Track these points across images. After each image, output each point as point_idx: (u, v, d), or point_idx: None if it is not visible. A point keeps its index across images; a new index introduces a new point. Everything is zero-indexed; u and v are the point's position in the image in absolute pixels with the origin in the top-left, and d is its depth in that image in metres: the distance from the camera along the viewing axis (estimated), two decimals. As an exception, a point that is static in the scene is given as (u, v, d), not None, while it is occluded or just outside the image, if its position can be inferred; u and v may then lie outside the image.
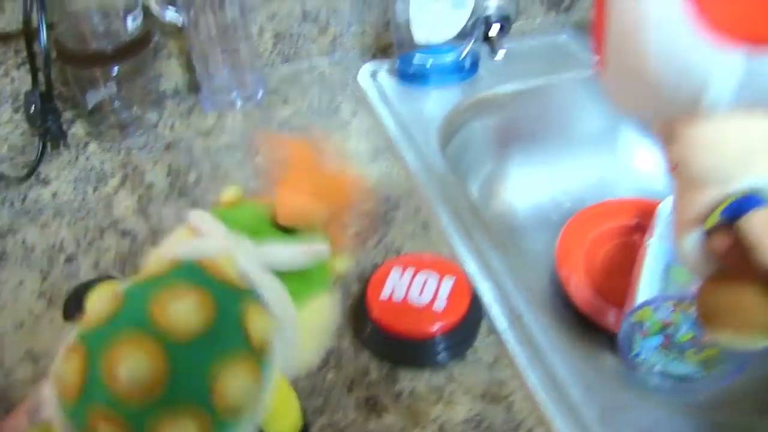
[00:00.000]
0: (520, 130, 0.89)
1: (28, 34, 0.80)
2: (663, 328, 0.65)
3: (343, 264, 0.46)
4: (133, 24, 0.79)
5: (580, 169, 0.92)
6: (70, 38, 0.79)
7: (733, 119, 0.36)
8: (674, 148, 0.37)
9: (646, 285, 0.65)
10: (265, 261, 0.39)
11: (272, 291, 0.39)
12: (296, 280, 0.40)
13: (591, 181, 0.91)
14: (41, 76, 0.82)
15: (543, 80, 0.88)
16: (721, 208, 0.37)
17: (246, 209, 0.44)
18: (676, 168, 0.38)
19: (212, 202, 0.45)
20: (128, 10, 0.78)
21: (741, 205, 0.36)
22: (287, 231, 0.42)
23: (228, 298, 0.36)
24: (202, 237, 0.40)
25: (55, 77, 0.82)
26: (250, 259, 0.39)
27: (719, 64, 0.33)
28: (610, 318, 0.72)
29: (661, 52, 0.34)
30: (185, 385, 0.33)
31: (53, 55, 0.80)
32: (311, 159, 0.46)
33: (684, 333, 0.64)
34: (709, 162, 0.36)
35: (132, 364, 0.31)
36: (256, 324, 0.36)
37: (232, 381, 0.34)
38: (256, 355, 0.36)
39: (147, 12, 0.81)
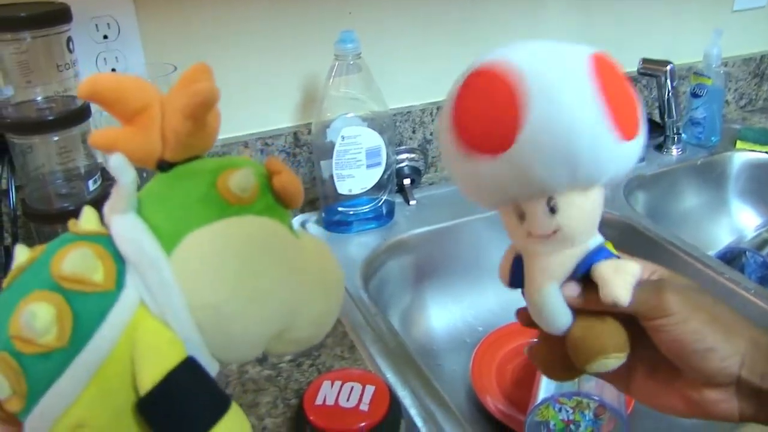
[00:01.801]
0: (433, 266, 1.01)
1: (-2, 196, 0.90)
2: (566, 426, 0.75)
3: (239, 179, 0.44)
4: (93, 185, 0.90)
5: (488, 296, 1.03)
6: (36, 199, 0.89)
7: (597, 192, 0.45)
8: (555, 218, 0.44)
9: (545, 386, 0.76)
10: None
11: (122, 234, 0.42)
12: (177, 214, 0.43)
13: (497, 306, 1.03)
14: (7, 233, 0.91)
15: (451, 222, 1.01)
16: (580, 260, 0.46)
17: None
18: (555, 233, 0.44)
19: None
20: (90, 175, 0.89)
21: (592, 258, 0.46)
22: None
23: (54, 246, 0.43)
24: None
25: (21, 234, 0.91)
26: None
27: (616, 149, 0.42)
28: (520, 423, 0.82)
29: (584, 143, 0.41)
30: None
31: (19, 213, 0.90)
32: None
33: (584, 428, 0.75)
34: (582, 223, 0.45)
35: None
36: (64, 262, 0.40)
37: (24, 316, 0.39)
38: (61, 290, 0.40)
39: (105, 174, 0.91)
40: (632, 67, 1.18)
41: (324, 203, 0.99)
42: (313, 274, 0.48)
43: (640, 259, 0.50)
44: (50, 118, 0.84)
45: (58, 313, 0.40)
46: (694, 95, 1.23)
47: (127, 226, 0.42)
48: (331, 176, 0.94)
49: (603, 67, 0.43)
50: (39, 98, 0.86)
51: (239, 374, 0.70)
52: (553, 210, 0.44)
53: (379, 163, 0.95)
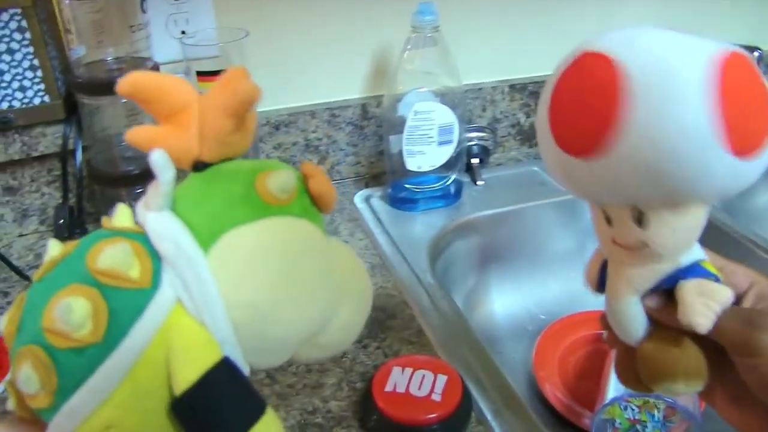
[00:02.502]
0: (498, 250, 0.99)
1: (64, 155, 0.90)
2: (632, 426, 0.73)
3: (280, 180, 0.43)
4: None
5: (552, 284, 1.01)
6: (101, 161, 0.89)
7: (697, 210, 0.41)
8: (647, 230, 0.41)
9: (614, 385, 0.73)
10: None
11: (159, 232, 0.41)
12: (213, 214, 0.42)
13: (562, 294, 1.00)
14: (71, 193, 0.91)
15: (518, 205, 0.99)
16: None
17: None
18: (641, 247, 0.41)
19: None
20: (155, 139, 0.88)
21: (681, 275, 0.42)
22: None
23: (89, 241, 0.42)
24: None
25: (85, 195, 0.91)
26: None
27: (721, 165, 0.37)
28: (582, 418, 0.80)
29: (683, 152, 0.37)
30: (28, 324, 0.39)
31: (84, 174, 0.89)
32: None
33: (651, 429, 0.72)
34: (672, 240, 0.41)
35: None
36: (101, 256, 0.39)
37: (59, 309, 0.38)
38: (97, 285, 0.39)
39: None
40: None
41: (391, 179, 0.97)
42: (345, 280, 0.48)
43: (735, 263, 0.46)
44: (120, 78, 0.82)
45: (94, 308, 0.38)
46: (781, 84, 1.17)
47: (163, 224, 0.42)
48: (400, 152, 0.92)
49: (729, 71, 0.37)
50: (110, 59, 0.86)
51: (304, 353, 0.68)
52: (641, 223, 0.41)
53: (450, 141, 0.92)
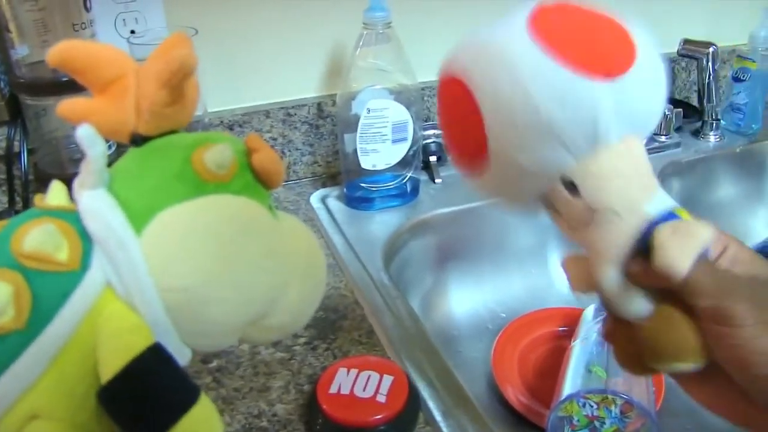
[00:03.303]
0: (457, 248, 0.98)
1: (9, 158, 0.87)
2: (590, 422, 0.72)
3: (216, 155, 0.42)
4: (108, 151, 0.87)
5: (513, 282, 1.00)
6: (49, 163, 0.87)
7: (621, 149, 0.39)
8: (580, 196, 0.40)
9: (570, 382, 0.73)
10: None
11: (90, 211, 0.40)
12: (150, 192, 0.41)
13: (522, 292, 0.99)
14: (18, 197, 0.89)
15: (477, 204, 0.98)
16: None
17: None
18: (591, 214, 0.40)
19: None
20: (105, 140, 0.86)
21: (653, 226, 0.39)
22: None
23: (16, 222, 0.40)
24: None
25: (32, 199, 0.89)
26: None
27: (598, 94, 0.37)
28: (542, 417, 0.79)
29: (552, 103, 0.37)
30: None
31: (31, 177, 0.87)
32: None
33: (609, 426, 0.72)
34: (617, 190, 0.39)
35: None
36: (26, 238, 0.38)
37: None
38: (21, 268, 0.38)
39: (120, 142, 0.89)
40: (672, 48, 1.13)
41: (346, 178, 0.95)
42: (292, 259, 0.45)
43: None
44: (65, 79, 0.80)
45: (16, 293, 0.37)
46: (736, 80, 1.17)
47: (95, 202, 0.40)
48: (355, 150, 0.90)
49: (546, 15, 0.39)
50: (54, 59, 0.83)
51: (251, 355, 0.67)
52: (574, 191, 0.40)
53: (405, 139, 0.91)
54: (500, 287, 1.00)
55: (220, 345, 0.45)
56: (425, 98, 1.05)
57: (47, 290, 0.38)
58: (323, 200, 0.98)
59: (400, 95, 0.89)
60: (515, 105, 0.37)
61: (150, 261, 0.39)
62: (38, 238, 0.38)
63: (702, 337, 0.39)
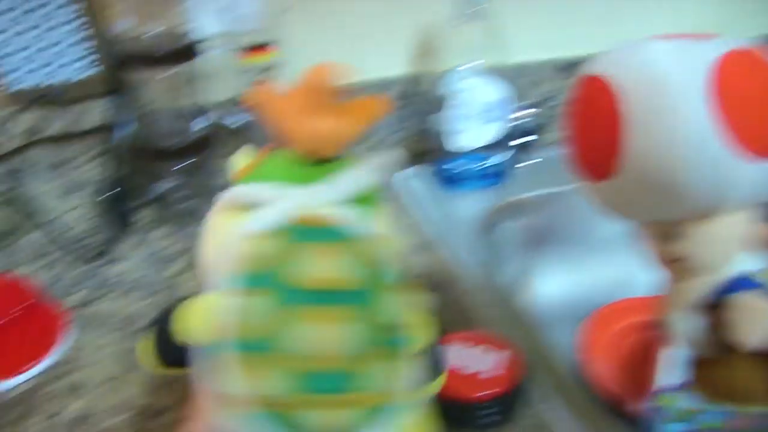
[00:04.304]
0: (546, 232, 0.96)
1: (110, 129, 0.89)
2: (686, 415, 0.70)
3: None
4: (198, 126, 0.88)
5: (601, 268, 0.98)
6: (144, 135, 0.88)
7: (733, 220, 0.40)
8: (681, 244, 0.41)
9: (667, 373, 0.71)
10: (340, 196, 0.43)
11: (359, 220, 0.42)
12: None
13: (611, 279, 0.97)
14: (115, 168, 0.91)
15: (566, 187, 0.96)
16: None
17: (272, 163, 0.45)
18: (676, 261, 0.41)
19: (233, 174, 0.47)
20: (196, 115, 0.88)
21: (729, 288, 0.41)
22: (320, 166, 0.45)
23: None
24: (264, 205, 0.41)
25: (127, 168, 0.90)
26: (325, 201, 0.42)
27: (742, 171, 0.37)
28: (632, 406, 0.77)
29: (692, 164, 0.36)
30: None
31: (127, 149, 0.89)
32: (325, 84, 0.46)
33: (707, 420, 0.70)
34: (713, 251, 0.40)
35: None
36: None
37: None
38: None
39: (212, 116, 0.90)
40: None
41: (435, 158, 0.95)
42: None
43: None
44: (161, 52, 0.82)
45: None
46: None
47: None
48: (445, 130, 0.90)
49: (728, 73, 0.36)
50: (151, 32, 0.85)
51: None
52: (675, 237, 0.41)
53: (496, 119, 0.90)
54: (588, 273, 0.98)
55: None
56: (518, 78, 1.03)
57: None
58: (410, 180, 0.98)
59: (493, 75, 0.88)
60: (661, 147, 0.37)
61: None
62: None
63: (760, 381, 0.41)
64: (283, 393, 0.37)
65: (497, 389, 0.56)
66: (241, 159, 0.46)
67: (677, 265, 0.42)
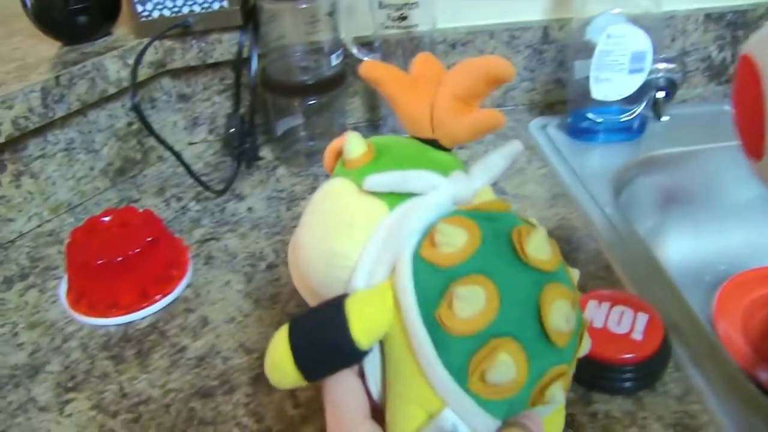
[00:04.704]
0: (681, 191, 0.92)
1: (239, 63, 0.89)
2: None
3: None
4: (335, 61, 0.86)
5: (734, 233, 0.93)
6: (276, 70, 0.87)
7: None
8: None
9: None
10: (490, 177, 0.43)
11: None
12: None
13: (744, 246, 0.92)
14: (243, 102, 0.91)
15: (703, 146, 0.91)
16: None
17: (397, 147, 0.44)
18: None
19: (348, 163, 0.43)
20: (332, 50, 0.86)
21: None
22: (440, 151, 0.44)
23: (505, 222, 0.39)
24: (424, 192, 0.40)
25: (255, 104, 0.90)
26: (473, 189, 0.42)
27: None
28: (765, 377, 0.73)
29: None
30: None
31: (257, 83, 0.88)
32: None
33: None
34: None
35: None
36: (530, 247, 0.37)
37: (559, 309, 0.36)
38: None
39: (347, 53, 0.88)
40: None
41: (572, 107, 0.91)
42: None
43: None
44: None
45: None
46: None
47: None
48: (586, 78, 0.85)
49: None
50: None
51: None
52: None
53: (641, 69, 0.85)
54: (720, 238, 0.93)
55: None
56: (664, 28, 0.97)
57: None
58: (543, 129, 0.94)
59: (641, 22, 0.83)
60: None
61: None
62: (539, 244, 0.37)
63: None
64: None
65: (640, 353, 0.53)
66: (354, 145, 0.43)
67: None
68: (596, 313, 0.57)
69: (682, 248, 0.92)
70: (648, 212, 0.91)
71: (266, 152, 0.93)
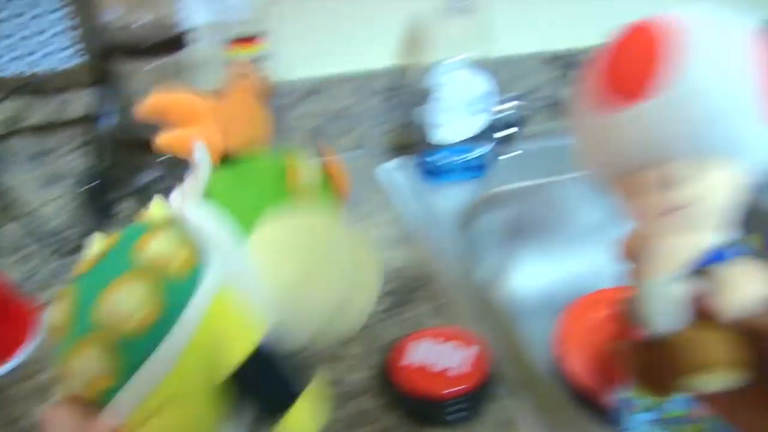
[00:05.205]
0: (527, 223, 0.97)
1: (95, 119, 0.89)
2: (656, 404, 0.72)
3: (307, 175, 0.48)
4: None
5: (580, 259, 0.99)
6: (128, 126, 0.88)
7: (732, 176, 0.40)
8: (679, 191, 0.40)
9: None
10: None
11: (200, 221, 0.43)
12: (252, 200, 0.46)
13: (589, 270, 0.98)
14: (97, 159, 0.91)
15: (548, 179, 0.97)
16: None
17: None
18: (677, 209, 0.41)
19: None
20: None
21: (719, 254, 0.40)
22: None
23: (132, 233, 0.43)
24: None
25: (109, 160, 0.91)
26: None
27: (758, 135, 0.39)
28: (606, 396, 0.78)
29: (723, 114, 0.39)
30: (84, 315, 0.40)
31: (111, 140, 0.89)
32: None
33: (676, 409, 0.71)
34: (712, 208, 0.40)
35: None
36: (149, 247, 0.41)
37: (117, 296, 0.39)
38: (148, 274, 0.40)
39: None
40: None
41: (419, 150, 0.95)
42: (359, 272, 0.48)
43: None
44: (152, 42, 0.82)
45: (148, 295, 0.40)
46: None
47: (203, 214, 0.44)
48: (430, 122, 0.90)
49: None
50: (142, 21, 0.85)
51: (327, 323, 0.68)
52: (676, 182, 0.40)
53: (481, 112, 0.90)
54: (567, 264, 0.99)
55: (295, 345, 0.47)
56: (503, 71, 1.03)
57: (172, 293, 0.40)
58: (394, 172, 0.98)
59: (479, 67, 0.88)
60: (713, 77, 0.39)
61: (259, 262, 0.43)
62: (160, 245, 0.41)
63: (738, 350, 0.39)
64: None
65: (464, 386, 0.57)
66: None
67: (666, 217, 0.41)
68: (426, 350, 0.60)
69: (531, 277, 0.98)
70: (496, 246, 0.96)
71: (124, 207, 0.94)
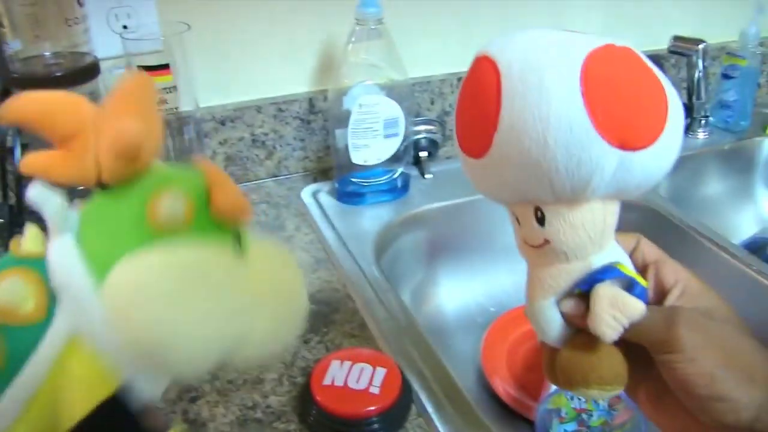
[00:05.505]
0: (447, 243, 0.98)
1: (3, 153, 0.87)
2: (578, 415, 0.73)
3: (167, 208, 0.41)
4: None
5: (502, 276, 1.01)
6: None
7: (597, 206, 0.41)
8: (545, 227, 0.41)
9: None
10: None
11: (54, 261, 0.39)
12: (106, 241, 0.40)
13: (511, 287, 1.00)
14: (11, 192, 0.89)
15: (467, 198, 0.98)
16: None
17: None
18: (544, 245, 0.42)
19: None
20: (95, 135, 0.86)
21: (595, 277, 0.42)
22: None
23: None
24: None
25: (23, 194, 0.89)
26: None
27: (606, 158, 0.38)
28: (531, 410, 0.80)
29: (560, 145, 0.37)
30: None
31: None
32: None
33: (597, 418, 0.73)
34: (576, 238, 0.41)
35: None
36: None
37: None
38: None
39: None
40: (662, 45, 1.14)
41: (338, 173, 0.96)
42: (261, 293, 0.44)
43: (668, 258, 0.46)
44: (58, 74, 0.81)
45: None
46: (726, 77, 1.18)
47: (58, 252, 0.40)
48: (346, 146, 0.91)
49: (598, 66, 0.38)
50: (47, 53, 0.84)
51: (244, 348, 0.67)
52: (540, 221, 0.41)
53: (396, 134, 0.91)
54: (489, 282, 1.01)
55: (194, 375, 0.43)
56: (416, 94, 1.06)
57: (16, 342, 0.38)
58: (314, 195, 0.98)
59: (392, 91, 0.90)
60: (532, 123, 0.38)
61: (110, 311, 0.39)
62: (5, 292, 0.39)
63: (615, 366, 0.43)
64: None
65: (377, 406, 0.57)
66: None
67: (541, 250, 0.42)
68: (337, 372, 0.60)
69: (454, 295, 0.99)
70: (417, 266, 0.97)
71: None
